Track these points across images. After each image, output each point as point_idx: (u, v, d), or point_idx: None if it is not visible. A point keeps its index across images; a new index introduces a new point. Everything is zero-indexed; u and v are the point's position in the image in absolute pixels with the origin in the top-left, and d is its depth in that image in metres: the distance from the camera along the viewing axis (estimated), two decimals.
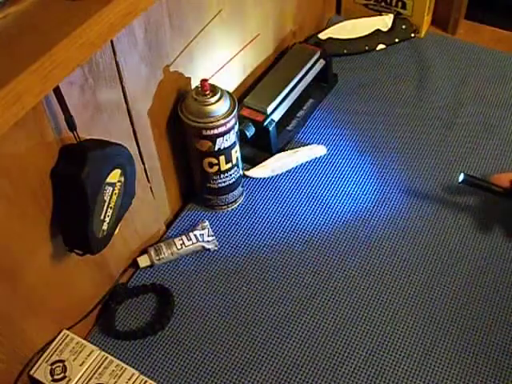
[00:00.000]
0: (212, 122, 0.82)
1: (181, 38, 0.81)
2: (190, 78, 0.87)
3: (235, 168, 0.91)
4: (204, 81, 0.81)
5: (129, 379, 0.73)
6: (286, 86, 1.02)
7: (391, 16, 1.22)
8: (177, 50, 0.81)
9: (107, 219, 0.68)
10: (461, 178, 0.88)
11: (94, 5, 0.54)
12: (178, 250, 0.88)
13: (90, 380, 0.73)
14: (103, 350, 0.76)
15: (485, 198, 0.94)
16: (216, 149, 0.85)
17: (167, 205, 0.94)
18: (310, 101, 1.10)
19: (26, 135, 0.60)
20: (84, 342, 0.76)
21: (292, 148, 1.03)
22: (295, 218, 0.94)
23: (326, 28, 1.21)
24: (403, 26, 1.22)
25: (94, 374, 0.74)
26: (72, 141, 0.63)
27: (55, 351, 0.75)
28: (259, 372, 0.78)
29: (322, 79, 1.11)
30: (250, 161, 1.00)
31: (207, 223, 0.92)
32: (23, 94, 0.49)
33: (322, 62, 1.09)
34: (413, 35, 1.23)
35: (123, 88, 0.73)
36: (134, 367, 0.75)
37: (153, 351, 0.80)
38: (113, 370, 0.74)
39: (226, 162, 0.88)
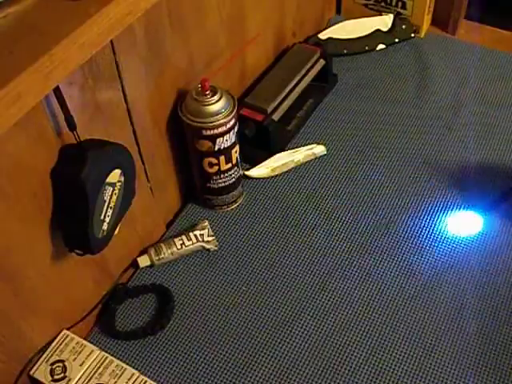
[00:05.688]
0: (212, 122, 0.82)
1: (181, 37, 0.81)
2: (189, 78, 0.87)
3: (235, 168, 0.91)
4: (204, 81, 0.81)
5: (129, 379, 0.73)
6: (286, 85, 1.02)
7: (391, 16, 1.22)
8: (177, 51, 0.81)
9: (107, 219, 0.68)
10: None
11: (94, 5, 0.54)
12: (178, 249, 0.88)
13: (90, 380, 0.73)
14: (103, 350, 0.76)
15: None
16: (216, 149, 0.85)
17: (167, 205, 0.94)
18: (310, 101, 1.10)
19: (25, 135, 0.60)
20: (84, 342, 0.76)
21: (292, 148, 1.03)
22: (295, 218, 0.94)
23: (326, 28, 1.21)
24: (403, 26, 1.22)
25: (94, 374, 0.74)
26: (72, 141, 0.63)
27: (55, 351, 0.75)
28: (259, 372, 0.78)
29: (322, 79, 1.11)
30: (250, 161, 1.00)
31: (207, 223, 0.92)
32: (23, 94, 0.49)
33: (321, 62, 1.09)
34: (413, 35, 1.23)
35: (123, 88, 0.73)
36: (133, 367, 0.75)
37: (153, 351, 0.80)
38: (113, 370, 0.74)
39: (226, 162, 0.88)
